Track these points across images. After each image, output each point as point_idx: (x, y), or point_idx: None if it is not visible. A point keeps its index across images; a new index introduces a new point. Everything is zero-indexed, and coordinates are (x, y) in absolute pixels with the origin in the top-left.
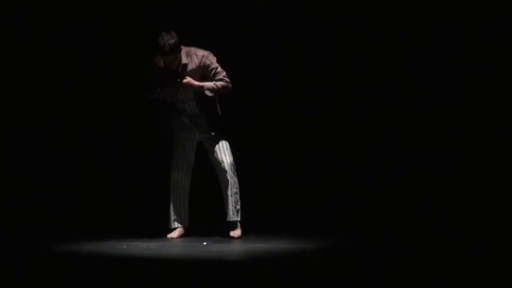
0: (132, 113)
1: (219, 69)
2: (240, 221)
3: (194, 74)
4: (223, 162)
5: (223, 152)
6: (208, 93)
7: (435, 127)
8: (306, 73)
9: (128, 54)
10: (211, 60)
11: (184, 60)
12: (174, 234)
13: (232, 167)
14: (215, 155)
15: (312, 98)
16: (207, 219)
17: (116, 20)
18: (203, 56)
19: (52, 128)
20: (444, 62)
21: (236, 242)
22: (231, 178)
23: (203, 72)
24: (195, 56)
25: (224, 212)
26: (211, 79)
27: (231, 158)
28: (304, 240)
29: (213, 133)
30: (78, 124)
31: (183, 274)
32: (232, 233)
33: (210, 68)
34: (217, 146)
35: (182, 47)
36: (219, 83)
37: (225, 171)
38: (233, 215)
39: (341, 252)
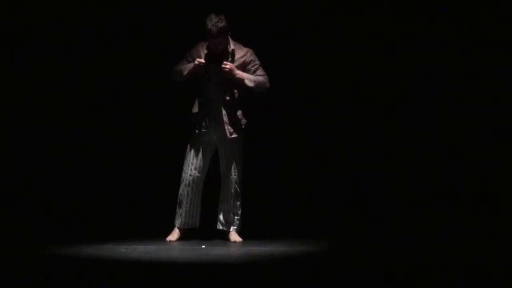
0: (134, 113)
1: (261, 67)
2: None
3: (236, 66)
4: (232, 175)
5: (234, 164)
6: (248, 83)
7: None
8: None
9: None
10: (255, 57)
11: (230, 49)
12: (173, 237)
13: (241, 179)
14: (226, 165)
15: (313, 101)
16: (206, 222)
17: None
18: (247, 51)
19: (52, 130)
20: None
21: (235, 246)
22: (237, 192)
23: (244, 67)
24: (240, 49)
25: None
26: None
27: (241, 172)
28: (303, 243)
29: (230, 137)
30: (78, 125)
31: (182, 277)
32: (232, 238)
33: (253, 63)
34: (230, 156)
35: (229, 35)
36: (259, 78)
37: (232, 184)
38: (237, 226)
39: (341, 255)
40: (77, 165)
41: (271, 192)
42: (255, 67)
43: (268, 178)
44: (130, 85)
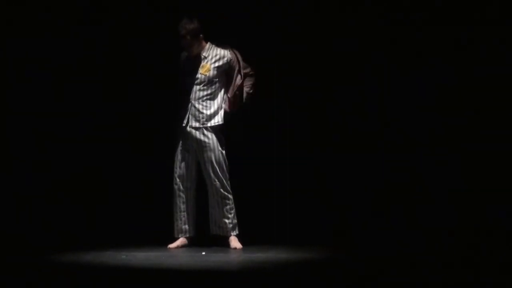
0: (134, 120)
1: (242, 70)
2: (237, 235)
3: (209, 70)
4: (216, 181)
5: (216, 170)
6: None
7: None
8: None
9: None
10: (234, 60)
11: (204, 53)
12: (174, 244)
13: (226, 185)
14: (207, 172)
15: (311, 106)
16: (206, 229)
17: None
18: (224, 55)
19: (52, 133)
20: None
21: (235, 252)
22: (225, 197)
23: (224, 71)
24: (215, 53)
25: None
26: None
27: (225, 175)
28: (303, 250)
29: (208, 139)
30: (78, 129)
31: (182, 284)
32: (232, 245)
33: (233, 72)
34: (210, 162)
35: (206, 42)
36: (248, 89)
37: (217, 190)
38: (232, 230)
39: (340, 262)
40: (77, 169)
41: (271, 196)
42: (238, 73)
43: (268, 182)
44: (140, 87)
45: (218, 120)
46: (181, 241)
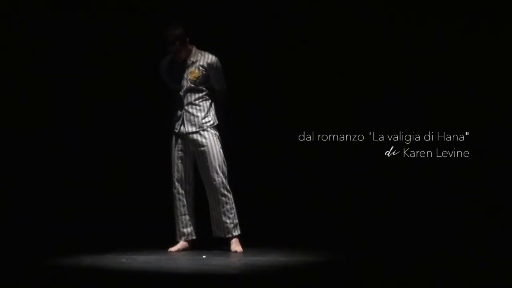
0: (136, 120)
1: (222, 76)
2: (239, 235)
3: (198, 75)
4: (215, 180)
5: (215, 169)
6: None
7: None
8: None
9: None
10: (218, 67)
11: (192, 58)
12: (175, 248)
13: (225, 184)
14: (206, 172)
15: (313, 109)
16: (206, 232)
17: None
18: (212, 61)
19: (51, 138)
20: None
21: (236, 256)
22: (224, 196)
23: (207, 73)
24: (203, 56)
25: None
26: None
27: (224, 174)
28: (303, 253)
29: (205, 140)
30: (78, 133)
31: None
32: (233, 248)
33: (216, 75)
34: (207, 162)
35: (192, 46)
36: (220, 96)
37: (217, 190)
38: (233, 230)
39: (341, 265)
40: (77, 173)
41: (271, 200)
42: (215, 78)
43: (268, 185)
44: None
45: (213, 120)
46: (182, 244)
